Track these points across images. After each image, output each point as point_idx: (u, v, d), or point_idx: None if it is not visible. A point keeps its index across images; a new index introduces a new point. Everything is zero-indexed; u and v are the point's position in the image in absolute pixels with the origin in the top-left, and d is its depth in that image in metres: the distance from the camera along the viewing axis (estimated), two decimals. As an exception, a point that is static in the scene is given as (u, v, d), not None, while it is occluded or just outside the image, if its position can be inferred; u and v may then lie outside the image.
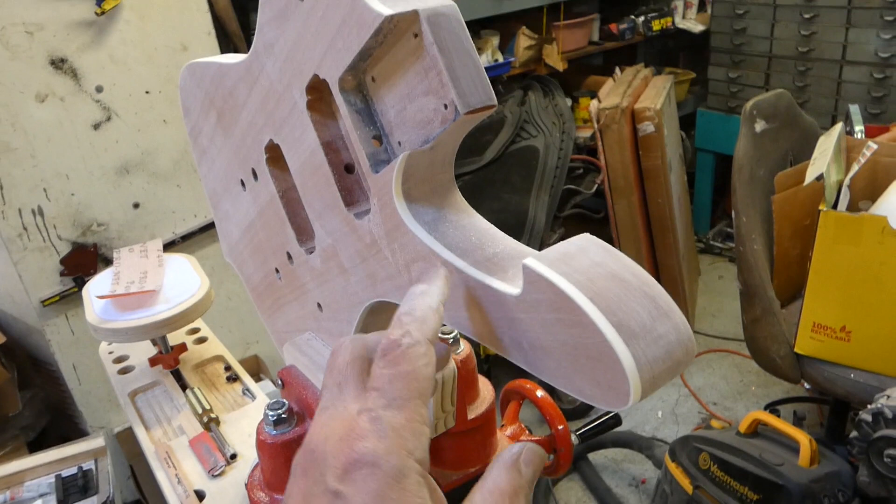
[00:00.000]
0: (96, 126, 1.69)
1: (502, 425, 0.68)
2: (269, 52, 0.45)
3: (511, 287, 0.32)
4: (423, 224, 0.37)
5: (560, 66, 2.74)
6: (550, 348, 0.31)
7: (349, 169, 0.44)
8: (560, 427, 0.66)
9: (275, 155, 0.52)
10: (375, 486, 0.27)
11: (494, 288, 0.33)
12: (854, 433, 1.39)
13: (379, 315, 0.48)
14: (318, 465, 0.28)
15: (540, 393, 0.69)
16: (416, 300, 0.33)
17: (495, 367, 2.44)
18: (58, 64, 1.60)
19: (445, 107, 0.34)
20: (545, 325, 0.30)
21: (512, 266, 0.35)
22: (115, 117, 1.72)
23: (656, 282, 0.30)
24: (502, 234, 0.38)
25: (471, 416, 0.58)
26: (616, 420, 0.76)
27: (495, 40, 2.64)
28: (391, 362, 0.30)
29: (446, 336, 0.57)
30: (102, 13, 1.61)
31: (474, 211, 0.40)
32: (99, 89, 1.68)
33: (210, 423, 0.89)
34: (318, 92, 0.43)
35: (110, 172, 1.74)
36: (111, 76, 1.69)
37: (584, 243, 0.32)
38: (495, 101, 0.34)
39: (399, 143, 0.38)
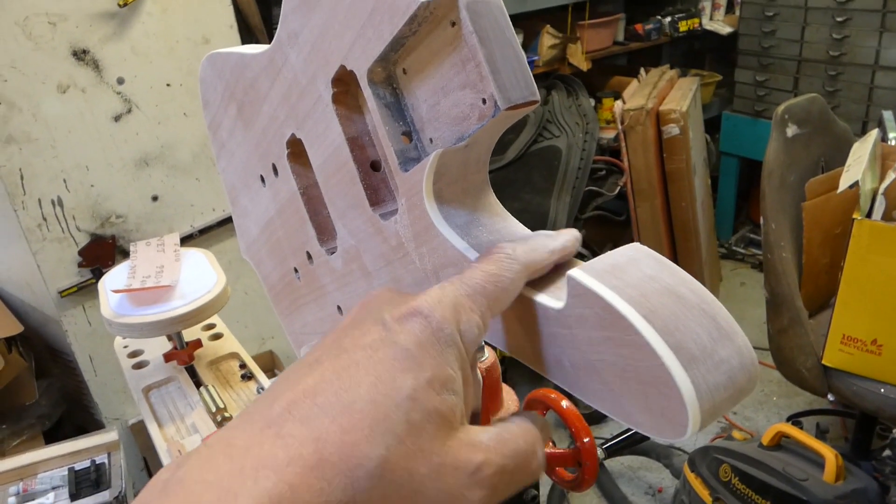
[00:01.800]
0: (117, 118, 1.69)
1: (526, 437, 0.65)
2: (293, 42, 0.43)
3: (553, 300, 0.30)
4: (455, 227, 0.35)
5: (584, 65, 2.70)
6: (596, 369, 0.28)
7: (375, 167, 0.42)
8: (586, 440, 0.63)
9: (297, 150, 0.49)
10: (420, 335, 0.27)
11: (535, 300, 0.30)
12: (887, 452, 1.34)
13: (402, 322, 0.45)
14: (380, 303, 0.29)
15: (565, 403, 0.66)
16: (538, 238, 0.34)
17: (512, 368, 2.41)
18: (80, 55, 1.59)
19: (484, 101, 0.31)
20: (591, 343, 0.28)
21: (554, 276, 0.32)
22: (136, 109, 1.71)
23: (715, 298, 0.28)
24: (541, 239, 0.35)
25: (494, 428, 0.56)
26: (643, 435, 0.73)
27: (519, 38, 2.59)
28: (483, 259, 0.31)
29: (471, 344, 0.54)
30: (125, 5, 1.60)
31: (510, 214, 0.37)
32: (120, 81, 1.67)
33: (223, 422, 0.87)
34: (344, 84, 0.40)
35: (130, 165, 1.73)
36: (132, 68, 1.68)
37: (636, 254, 0.29)
38: (538, 97, 0.31)
39: (431, 140, 0.35)
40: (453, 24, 0.31)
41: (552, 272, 0.32)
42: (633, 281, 0.27)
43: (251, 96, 0.52)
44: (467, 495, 0.26)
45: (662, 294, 0.27)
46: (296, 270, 0.57)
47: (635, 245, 0.30)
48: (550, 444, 0.66)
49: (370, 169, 0.41)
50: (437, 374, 0.26)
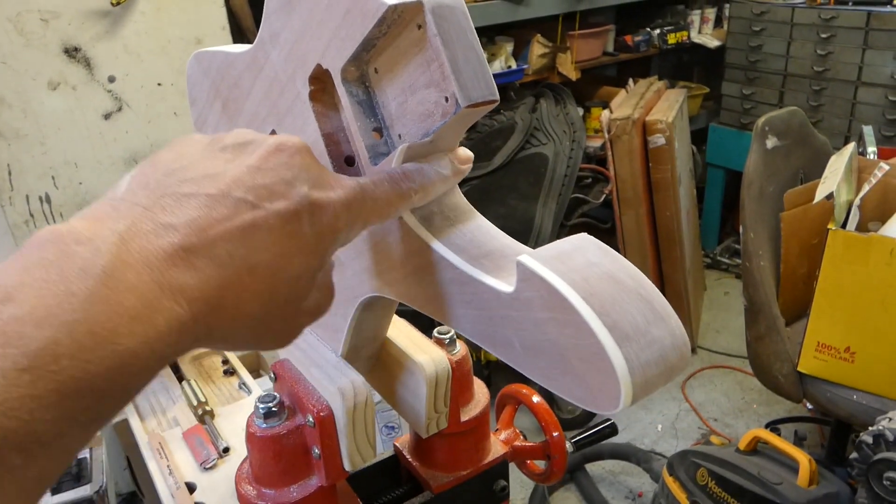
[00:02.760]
0: (107, 116, 1.70)
1: (496, 429, 0.67)
2: (274, 42, 0.45)
3: (505, 284, 0.32)
4: (420, 219, 0.37)
5: (573, 75, 2.73)
6: (542, 348, 0.30)
7: (349, 161, 0.44)
8: (555, 434, 0.66)
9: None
10: (324, 230, 0.33)
11: (488, 285, 0.33)
12: (854, 454, 1.37)
13: (374, 310, 0.47)
14: (299, 166, 0.33)
15: (536, 398, 0.68)
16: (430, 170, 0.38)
17: (495, 373, 2.43)
18: (71, 52, 1.61)
19: (446, 100, 0.33)
20: (537, 324, 0.30)
21: (507, 264, 0.34)
22: (126, 108, 1.73)
23: (653, 285, 0.30)
24: (501, 232, 0.37)
25: (464, 418, 0.58)
26: (612, 429, 0.75)
27: (509, 47, 2.64)
28: (393, 188, 0.36)
29: (443, 337, 0.56)
30: (118, 3, 1.61)
31: (473, 209, 0.39)
32: (111, 79, 1.68)
33: (205, 415, 0.89)
34: (321, 83, 0.43)
35: (119, 162, 1.75)
36: (124, 67, 1.69)
37: (582, 242, 0.31)
38: (497, 96, 0.34)
39: (399, 135, 0.37)
40: (419, 26, 0.33)
41: (503, 260, 0.35)
42: (576, 266, 0.29)
43: (235, 93, 0.54)
44: (287, 339, 0.35)
45: (602, 279, 0.29)
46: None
47: (583, 235, 0.32)
48: (521, 437, 0.68)
49: (344, 164, 0.43)
50: (319, 265, 0.33)
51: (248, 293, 0.29)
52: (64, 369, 0.23)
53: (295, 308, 0.33)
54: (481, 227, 0.37)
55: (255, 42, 0.48)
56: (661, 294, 0.30)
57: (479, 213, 0.39)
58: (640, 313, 0.28)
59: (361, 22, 0.35)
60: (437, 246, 0.35)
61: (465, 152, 0.39)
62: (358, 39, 0.36)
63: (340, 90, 0.39)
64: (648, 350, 0.28)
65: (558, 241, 0.32)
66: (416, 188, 0.36)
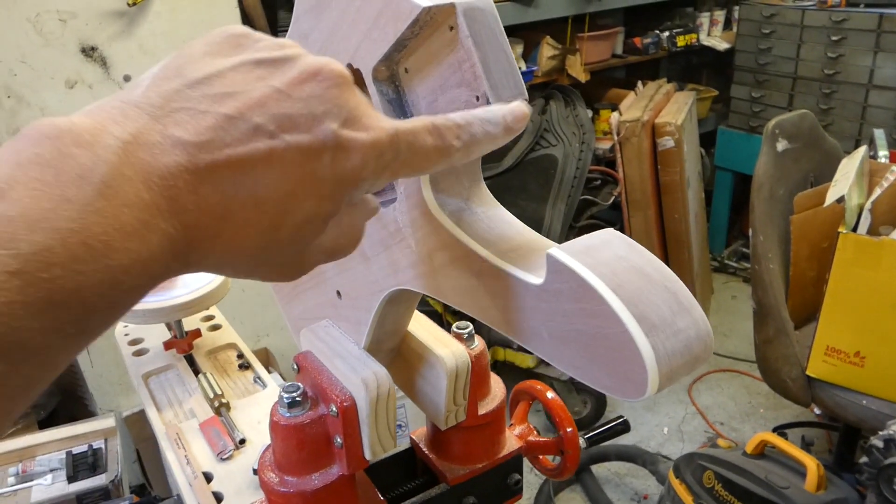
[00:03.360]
0: (122, 114, 1.72)
1: (511, 424, 0.69)
2: (304, 43, 0.46)
3: (534, 277, 0.33)
4: (449, 214, 0.38)
5: (582, 77, 2.74)
6: (570, 338, 0.31)
7: (377, 158, 0.45)
8: (569, 429, 0.67)
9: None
10: (345, 174, 0.29)
11: (517, 277, 0.34)
12: (864, 459, 1.37)
13: (398, 304, 0.48)
14: (340, 95, 0.30)
15: (550, 394, 0.69)
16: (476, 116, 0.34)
17: (504, 373, 2.44)
18: (88, 52, 1.63)
19: (477, 98, 0.34)
20: (566, 314, 0.31)
21: (535, 257, 0.35)
22: (142, 106, 1.74)
23: (678, 278, 0.31)
24: (526, 227, 0.38)
25: (481, 411, 0.59)
26: (625, 426, 0.76)
27: (519, 49, 2.65)
28: (432, 130, 0.32)
29: (461, 331, 0.57)
30: (134, 4, 1.63)
31: (499, 204, 0.40)
32: (127, 78, 1.70)
33: (221, 407, 0.90)
34: (350, 82, 0.44)
35: (133, 160, 1.76)
36: (139, 66, 1.71)
37: (609, 237, 0.33)
38: (526, 95, 0.35)
39: (429, 133, 0.39)
40: (451, 28, 0.34)
41: (530, 253, 0.36)
42: (604, 260, 0.30)
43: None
44: (294, 274, 0.33)
45: (630, 272, 0.30)
46: (298, 258, 0.61)
47: (609, 230, 0.33)
48: (535, 432, 0.69)
49: (372, 160, 0.45)
50: (334, 210, 0.30)
51: (249, 228, 0.28)
52: (55, 278, 0.22)
53: (300, 248, 0.31)
54: (508, 223, 0.38)
55: (283, 42, 0.49)
56: (685, 287, 0.31)
57: (503, 207, 0.40)
58: (666, 305, 0.29)
59: (394, 23, 0.36)
60: (468, 241, 0.36)
61: (522, 108, 0.34)
62: (390, 40, 0.37)
63: (371, 89, 0.40)
64: (674, 340, 0.29)
65: (585, 236, 0.33)
66: (459, 144, 0.32)
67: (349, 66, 0.41)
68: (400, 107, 0.40)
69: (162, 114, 0.27)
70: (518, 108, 0.34)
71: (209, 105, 0.27)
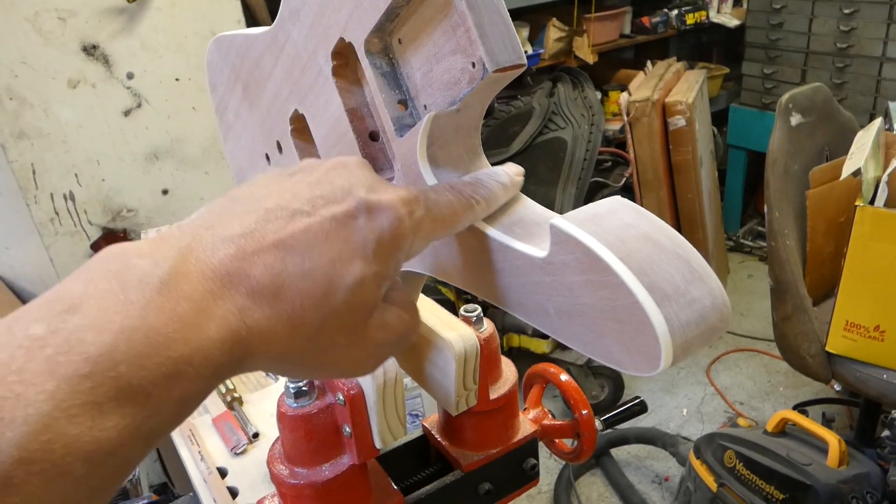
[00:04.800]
0: (127, 113, 1.71)
1: (525, 408, 0.67)
2: (294, 19, 0.45)
3: (537, 249, 0.31)
4: (449, 189, 0.36)
5: (590, 58, 2.70)
6: (577, 312, 0.30)
7: (374, 137, 0.43)
8: (584, 412, 0.65)
9: (300, 126, 0.51)
10: (384, 234, 0.31)
11: (520, 251, 0.32)
12: (886, 433, 1.35)
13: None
14: (359, 177, 0.33)
15: (564, 377, 0.68)
16: (490, 180, 0.37)
17: (518, 359, 2.42)
18: (90, 50, 1.62)
19: (473, 65, 0.33)
20: (573, 288, 0.29)
21: (539, 231, 0.34)
22: (146, 104, 1.74)
23: (691, 245, 0.29)
24: (530, 200, 0.37)
25: (493, 396, 0.58)
26: (642, 406, 0.74)
27: (525, 31, 2.62)
28: (450, 190, 0.35)
29: (470, 314, 0.56)
30: (133, 0, 1.62)
31: (501, 178, 0.38)
32: (129, 76, 1.69)
33: (233, 402, 0.90)
34: (343, 58, 0.42)
35: (140, 159, 1.76)
36: (142, 63, 1.70)
37: (615, 205, 0.31)
38: (525, 60, 0.33)
39: (425, 106, 0.37)
40: (444, -9, 0.33)
41: (534, 227, 0.34)
42: (611, 228, 0.29)
43: (256, 76, 0.54)
44: (364, 364, 0.33)
45: (639, 239, 0.28)
46: (300, 246, 0.59)
47: (616, 198, 0.32)
48: (549, 416, 0.67)
49: (369, 139, 0.43)
50: (382, 272, 0.31)
51: (304, 299, 0.29)
52: (122, 375, 0.24)
53: (361, 321, 0.31)
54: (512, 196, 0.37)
55: (275, 21, 0.48)
56: (699, 255, 0.29)
57: (506, 183, 0.39)
58: (678, 273, 0.28)
59: (384, -10, 0.34)
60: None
61: (515, 166, 0.39)
62: (381, 9, 0.35)
63: (364, 62, 0.38)
64: (688, 310, 0.27)
65: (591, 203, 0.31)
66: (478, 198, 0.35)
67: (341, 39, 0.40)
68: (394, 79, 0.38)
69: (212, 223, 0.29)
70: (510, 165, 0.38)
71: (252, 206, 0.31)
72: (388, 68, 0.38)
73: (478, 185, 0.36)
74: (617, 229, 0.29)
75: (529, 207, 0.36)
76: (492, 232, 0.34)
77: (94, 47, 1.62)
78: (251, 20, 2.01)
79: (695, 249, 0.29)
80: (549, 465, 2.17)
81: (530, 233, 0.34)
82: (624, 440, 2.21)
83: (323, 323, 0.29)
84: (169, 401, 0.25)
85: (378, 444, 0.50)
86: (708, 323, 0.28)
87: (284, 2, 0.45)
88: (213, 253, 0.28)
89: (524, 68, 0.33)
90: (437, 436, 0.62)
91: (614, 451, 2.22)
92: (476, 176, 0.37)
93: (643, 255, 0.28)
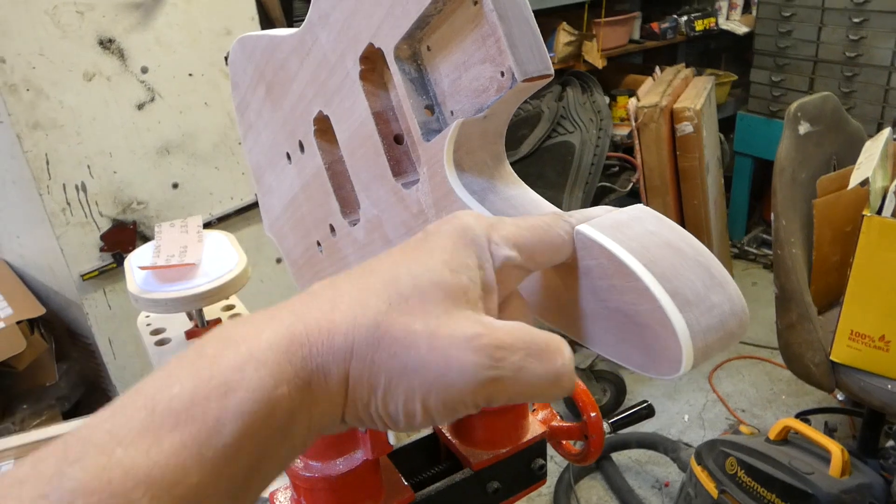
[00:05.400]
0: (140, 106, 1.73)
1: (534, 409, 0.68)
2: (323, 23, 0.46)
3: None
4: (473, 193, 0.38)
5: (599, 63, 2.71)
6: (600, 316, 0.31)
7: (398, 140, 0.45)
8: (593, 414, 0.66)
9: (323, 127, 0.52)
10: (448, 230, 0.30)
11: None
12: (890, 443, 1.36)
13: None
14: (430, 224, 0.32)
15: (573, 380, 0.69)
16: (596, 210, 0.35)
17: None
18: (106, 44, 1.63)
19: (502, 74, 0.34)
20: (596, 292, 0.30)
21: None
22: (159, 98, 1.75)
23: (710, 253, 0.30)
24: (549, 204, 0.38)
25: (505, 396, 0.58)
26: (649, 410, 0.75)
27: (535, 35, 2.62)
28: (545, 214, 0.33)
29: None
30: (151, -5, 1.64)
31: (524, 183, 0.40)
32: (144, 70, 1.71)
33: (243, 396, 0.91)
34: (371, 62, 0.43)
35: (151, 152, 1.78)
36: (156, 58, 1.72)
37: (638, 213, 0.32)
38: (552, 70, 0.34)
39: (452, 112, 0.38)
40: (475, 2, 0.34)
41: None
42: (635, 235, 0.30)
43: (281, 77, 0.55)
44: (459, 357, 0.26)
45: (662, 247, 0.29)
46: (318, 244, 0.60)
47: (639, 206, 0.33)
48: (558, 417, 0.68)
49: (394, 142, 0.44)
50: (454, 258, 0.29)
51: (363, 293, 0.28)
52: (176, 395, 0.25)
53: (432, 307, 0.27)
54: (534, 202, 0.38)
55: (303, 24, 0.49)
56: (718, 262, 0.30)
57: (527, 186, 0.40)
58: (699, 280, 0.29)
59: (417, 0, 0.35)
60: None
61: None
62: (413, 17, 0.36)
63: (393, 68, 0.39)
64: (709, 315, 0.28)
65: (614, 211, 0.32)
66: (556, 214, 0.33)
67: (370, 44, 0.41)
68: (422, 85, 0.39)
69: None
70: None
71: None
72: (417, 74, 0.39)
73: (571, 215, 0.33)
74: (640, 237, 0.30)
75: (548, 210, 0.37)
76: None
77: (111, 41, 1.63)
78: (265, 17, 2.02)
79: (714, 257, 0.30)
80: (549, 468, 2.17)
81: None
82: (625, 445, 2.22)
83: (389, 308, 0.27)
84: (255, 446, 0.25)
85: (392, 441, 0.51)
86: (727, 328, 0.29)
87: (314, 5, 0.46)
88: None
89: (551, 78, 0.34)
90: (447, 434, 0.63)
91: (615, 456, 2.23)
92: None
93: (666, 262, 0.29)
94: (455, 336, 0.27)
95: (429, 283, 0.28)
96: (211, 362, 0.25)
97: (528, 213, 0.38)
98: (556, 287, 0.33)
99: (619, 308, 0.30)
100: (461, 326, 0.27)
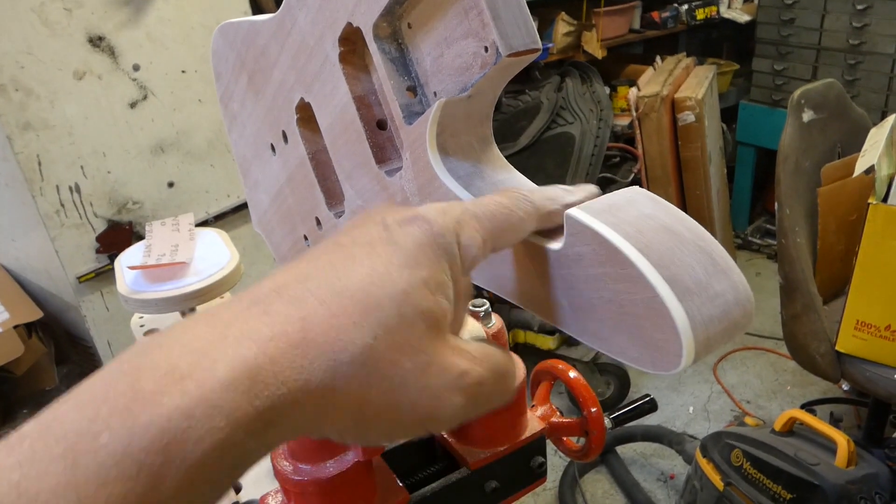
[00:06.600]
0: (133, 105, 1.71)
1: (532, 405, 0.66)
2: (301, 4, 0.44)
3: (552, 241, 0.30)
4: (458, 178, 0.35)
5: (599, 53, 2.68)
6: (594, 307, 0.28)
7: (381, 125, 0.42)
8: (593, 409, 0.64)
9: (305, 115, 0.50)
10: (419, 237, 0.27)
11: (533, 242, 0.31)
12: (895, 433, 1.33)
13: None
14: (383, 210, 0.29)
15: (573, 374, 0.67)
16: (556, 189, 0.33)
17: (524, 356, 2.41)
18: (96, 42, 1.61)
19: (486, 49, 0.31)
20: (588, 280, 0.28)
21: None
22: (152, 96, 1.73)
23: (713, 237, 0.28)
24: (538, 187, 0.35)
25: (501, 393, 0.56)
26: (651, 405, 0.73)
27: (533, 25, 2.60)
28: (498, 193, 0.31)
29: (477, 309, 0.55)
30: (141, -9, 1.61)
31: (513, 168, 0.37)
32: (136, 68, 1.69)
33: (236, 396, 0.89)
34: (351, 44, 0.41)
35: (146, 151, 1.75)
36: (148, 55, 1.69)
37: (633, 195, 0.30)
38: (539, 45, 0.32)
39: (435, 93, 0.36)
40: (456, -27, 0.32)
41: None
42: (629, 219, 0.27)
43: (261, 64, 0.53)
44: (449, 398, 0.26)
45: (658, 231, 0.27)
46: (305, 238, 0.58)
47: (634, 188, 0.30)
48: (558, 413, 0.66)
49: (376, 127, 0.42)
50: (432, 275, 0.27)
51: (339, 319, 0.24)
52: (104, 446, 0.21)
53: (422, 335, 0.26)
54: (524, 186, 0.36)
55: (281, 6, 0.47)
56: (721, 247, 0.28)
57: (517, 171, 0.37)
58: (700, 266, 0.26)
59: (394, -28, 0.33)
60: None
61: (590, 189, 0.34)
62: (390, -9, 0.34)
63: (372, 48, 0.37)
64: (711, 305, 0.26)
65: (608, 194, 0.30)
66: (525, 192, 0.32)
67: (349, 24, 0.39)
68: (403, 65, 0.37)
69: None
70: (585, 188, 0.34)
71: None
72: (397, 54, 0.37)
73: (531, 191, 0.32)
74: (635, 220, 0.27)
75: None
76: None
77: (101, 39, 1.61)
78: (258, 11, 2.00)
79: (716, 241, 0.28)
80: (554, 462, 2.16)
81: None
82: (630, 438, 2.20)
83: (375, 343, 0.24)
84: (170, 470, 0.21)
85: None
86: (731, 318, 0.26)
87: (291, -14, 0.44)
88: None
89: (539, 53, 0.32)
90: (443, 432, 0.61)
91: (620, 449, 2.21)
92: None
93: (663, 247, 0.26)
94: (444, 376, 0.26)
95: (413, 312, 0.25)
96: (149, 404, 0.21)
97: None
98: (543, 277, 0.31)
99: (612, 298, 0.27)
100: (448, 362, 0.26)
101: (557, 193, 0.32)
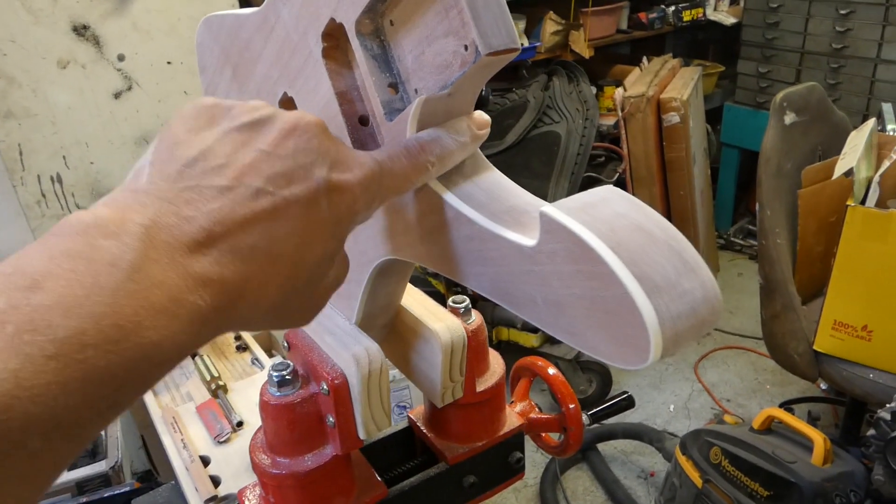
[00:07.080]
0: (117, 95, 1.69)
1: (511, 401, 0.67)
2: (282, 0, 0.44)
3: (527, 238, 0.31)
4: (438, 177, 0.36)
5: (586, 53, 2.69)
6: (566, 303, 0.29)
7: (363, 121, 0.43)
8: (571, 406, 0.65)
9: (288, 110, 0.50)
10: (342, 214, 0.32)
11: (509, 239, 0.31)
12: (871, 431, 1.36)
13: (389, 276, 0.46)
14: (320, 148, 0.32)
15: (552, 371, 0.67)
16: (448, 138, 0.37)
17: (507, 353, 2.42)
18: (80, 30, 1.60)
19: (466, 48, 0.32)
20: (561, 277, 0.29)
21: (529, 220, 0.33)
22: (136, 87, 1.72)
23: (684, 237, 0.29)
24: (521, 188, 0.36)
25: (479, 388, 0.57)
26: (629, 402, 0.74)
27: (521, 24, 2.60)
28: (402, 153, 0.35)
29: (458, 306, 0.55)
30: (127, -20, 1.60)
31: (492, 165, 0.38)
32: (121, 58, 1.67)
33: (218, 390, 0.89)
34: (334, 39, 0.41)
35: (129, 142, 1.74)
36: (133, 45, 1.68)
37: (607, 194, 0.30)
38: (518, 44, 0.32)
39: (416, 90, 0.36)
40: (437, -29, 0.32)
41: (524, 216, 0.33)
42: (603, 217, 0.28)
43: (246, 57, 0.53)
44: (310, 314, 0.35)
45: (631, 230, 0.28)
46: (288, 232, 0.58)
47: (608, 187, 0.31)
48: (536, 409, 0.67)
49: (358, 123, 0.42)
50: (337, 248, 0.33)
51: (270, 283, 0.30)
52: (89, 358, 0.23)
53: (314, 290, 0.33)
54: (500, 183, 0.36)
55: (265, 1, 0.47)
56: (692, 246, 0.28)
57: (497, 170, 0.38)
58: (670, 265, 0.27)
59: (376, -31, 0.33)
60: (456, 202, 0.34)
61: (482, 116, 0.38)
62: (373, -12, 0.34)
63: (355, 44, 0.37)
64: (679, 302, 0.26)
65: (582, 192, 0.31)
66: (434, 160, 0.35)
67: (332, 20, 0.39)
68: (385, 62, 0.37)
69: (171, 196, 0.29)
70: (479, 115, 0.38)
71: (209, 179, 0.29)
72: (380, 50, 0.37)
73: (433, 144, 0.36)
74: (608, 219, 0.28)
75: (520, 196, 0.35)
76: (480, 220, 0.33)
77: (85, 27, 1.60)
78: (246, 2, 1.99)
79: (687, 241, 0.29)
80: (535, 459, 2.17)
81: (520, 222, 0.33)
82: (611, 435, 2.22)
83: (285, 300, 0.31)
84: (133, 381, 0.25)
85: (362, 435, 0.50)
86: (699, 316, 0.27)
87: (274, -19, 0.44)
88: (180, 235, 0.27)
89: (518, 52, 0.32)
90: (422, 427, 0.62)
91: (601, 446, 2.23)
92: (436, 132, 0.36)
93: (634, 245, 0.27)
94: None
95: (317, 281, 0.33)
96: (130, 331, 0.25)
97: (498, 198, 0.36)
98: (519, 272, 0.32)
99: (584, 294, 0.28)
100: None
101: (449, 145, 0.37)
